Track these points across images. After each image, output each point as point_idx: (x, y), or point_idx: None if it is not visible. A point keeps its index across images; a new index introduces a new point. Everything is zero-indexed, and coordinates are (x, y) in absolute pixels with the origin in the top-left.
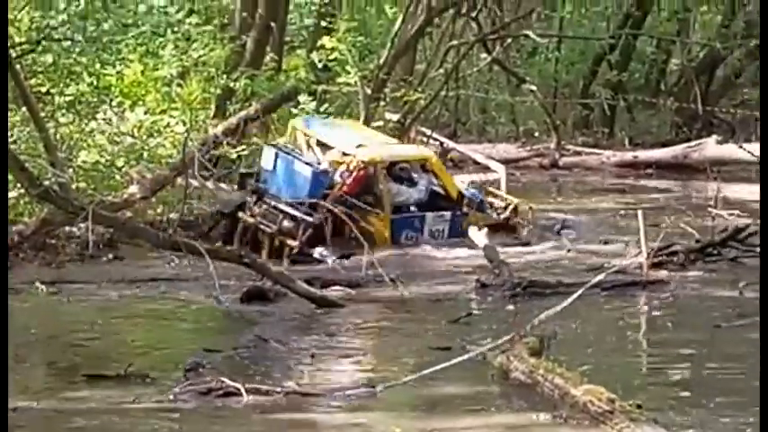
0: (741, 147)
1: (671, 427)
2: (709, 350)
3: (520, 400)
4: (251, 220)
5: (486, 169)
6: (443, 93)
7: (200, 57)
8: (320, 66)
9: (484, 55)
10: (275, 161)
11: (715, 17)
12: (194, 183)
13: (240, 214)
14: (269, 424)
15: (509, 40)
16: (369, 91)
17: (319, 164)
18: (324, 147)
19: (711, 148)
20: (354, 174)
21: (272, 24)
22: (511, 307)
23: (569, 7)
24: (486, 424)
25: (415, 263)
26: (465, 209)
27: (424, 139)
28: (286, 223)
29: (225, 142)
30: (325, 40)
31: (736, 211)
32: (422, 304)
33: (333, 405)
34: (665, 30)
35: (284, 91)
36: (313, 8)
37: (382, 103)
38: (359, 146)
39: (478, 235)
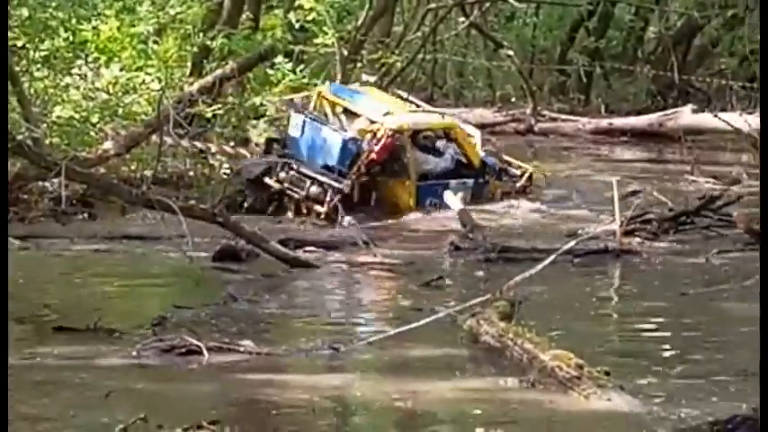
0: (716, 116)
1: (637, 395)
2: (676, 319)
3: (488, 363)
4: (277, 185)
5: None
6: (421, 56)
7: (176, 14)
8: (297, 26)
9: (462, 19)
10: (303, 128)
11: None
12: (169, 140)
13: (266, 179)
14: (229, 383)
15: (487, 5)
16: (346, 52)
17: (346, 131)
18: (350, 114)
19: (687, 116)
20: (383, 141)
21: None
22: (481, 273)
23: None
24: (454, 387)
25: (394, 225)
26: (486, 177)
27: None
28: (314, 189)
29: (200, 101)
30: (303, 0)
31: (712, 180)
32: (395, 267)
33: (295, 365)
34: None
35: (261, 50)
36: None
37: (359, 65)
38: (386, 114)
39: (454, 199)
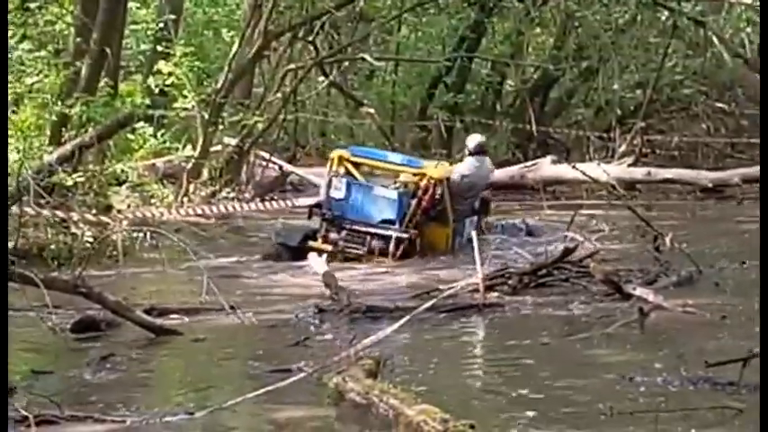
0: (574, 167)
1: None
2: (540, 369)
3: (355, 422)
4: (329, 246)
5: None
6: (282, 116)
7: (33, 83)
8: (157, 91)
9: (322, 78)
10: (348, 190)
11: (548, 39)
12: (29, 211)
13: (311, 243)
14: None
15: (346, 64)
16: (206, 115)
17: (398, 187)
18: (381, 171)
19: (547, 167)
20: (430, 191)
21: (108, 50)
22: (346, 333)
23: (405, 31)
24: None
25: (257, 288)
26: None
27: (264, 163)
28: (375, 243)
29: (60, 169)
30: (162, 65)
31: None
32: (259, 330)
33: None
34: (500, 52)
35: (120, 117)
36: (149, 33)
37: (221, 128)
38: (423, 167)
39: (318, 261)
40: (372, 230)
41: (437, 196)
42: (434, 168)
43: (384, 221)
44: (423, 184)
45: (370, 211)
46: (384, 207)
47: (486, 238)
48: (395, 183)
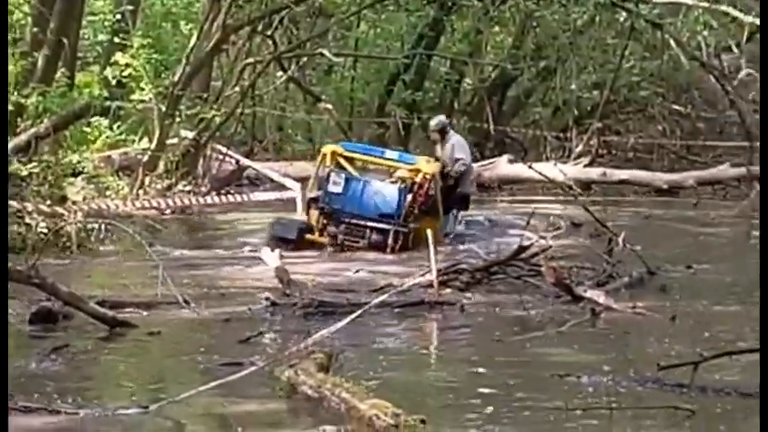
0: (530, 166)
1: None
2: (492, 366)
3: (307, 415)
4: (324, 239)
5: (283, 187)
6: (239, 110)
7: None
8: (114, 82)
9: (280, 73)
10: (347, 184)
11: (506, 39)
12: None
13: (308, 236)
14: None
15: (305, 59)
16: (163, 108)
17: (395, 182)
18: (375, 166)
19: (504, 166)
20: (426, 186)
21: (65, 40)
22: (298, 327)
23: (364, 27)
24: None
25: (212, 281)
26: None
27: (220, 157)
28: (375, 236)
29: (15, 159)
30: (119, 57)
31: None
32: (213, 323)
33: (104, 427)
34: (458, 50)
35: (76, 108)
36: (107, 24)
37: (177, 120)
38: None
39: (270, 255)
40: (371, 224)
41: (431, 192)
42: (427, 164)
43: (383, 215)
44: (418, 179)
45: (369, 206)
46: (384, 201)
47: (462, 231)
48: (391, 178)
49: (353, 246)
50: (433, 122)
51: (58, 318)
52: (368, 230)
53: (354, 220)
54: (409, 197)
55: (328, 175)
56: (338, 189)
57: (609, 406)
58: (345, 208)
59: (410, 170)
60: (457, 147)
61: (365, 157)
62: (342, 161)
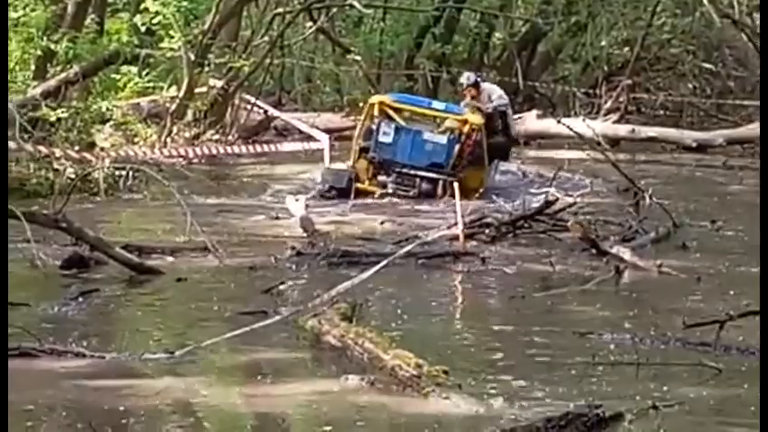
0: (559, 121)
1: (475, 393)
2: (514, 321)
3: (331, 364)
4: (374, 188)
5: (310, 138)
6: (268, 60)
7: (19, 17)
8: (143, 30)
9: (309, 23)
10: (396, 134)
11: None
12: (12, 145)
13: (358, 185)
14: (67, 389)
15: (334, 10)
16: (192, 57)
17: (444, 132)
18: (425, 117)
19: (532, 121)
20: (473, 136)
21: None
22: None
23: None
24: (297, 390)
25: (239, 229)
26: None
27: (248, 107)
28: (425, 185)
29: (44, 104)
30: (149, 4)
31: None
32: (239, 271)
33: (132, 370)
34: (489, 4)
35: (106, 55)
36: None
37: (206, 69)
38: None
39: (296, 204)
40: (422, 173)
41: (478, 142)
42: (474, 115)
43: (433, 165)
44: (465, 129)
45: (419, 155)
46: (434, 151)
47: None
48: (438, 128)
49: (404, 194)
50: (464, 79)
51: (90, 263)
52: (418, 179)
53: (405, 170)
54: (457, 147)
55: (378, 126)
56: (388, 139)
57: (635, 361)
58: (396, 157)
59: (458, 120)
60: (494, 91)
61: (413, 108)
62: (389, 111)
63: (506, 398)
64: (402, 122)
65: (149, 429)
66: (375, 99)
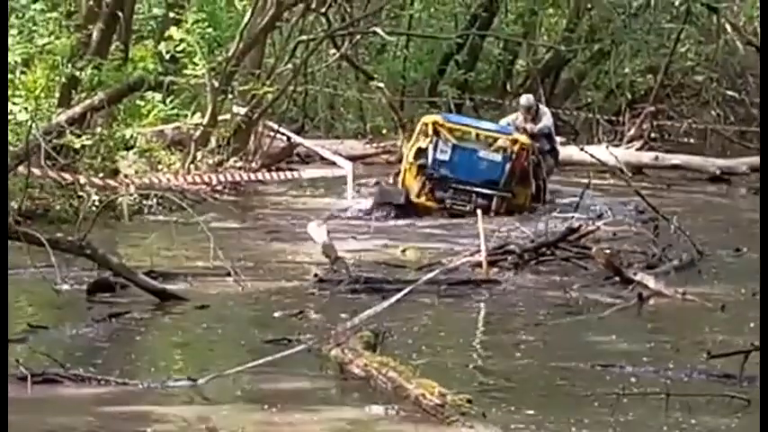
0: (582, 149)
1: (499, 423)
2: (538, 349)
3: (354, 393)
4: (431, 203)
5: (333, 165)
6: (291, 87)
7: (45, 44)
8: (168, 57)
9: (333, 51)
10: (452, 152)
11: (560, 20)
12: (36, 171)
13: (415, 200)
14: (90, 415)
15: (358, 37)
16: (216, 84)
17: (497, 150)
18: (476, 136)
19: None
20: (523, 156)
21: (120, 13)
22: (346, 304)
23: (418, 6)
24: (321, 418)
25: (262, 255)
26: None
27: (272, 134)
28: (480, 201)
29: (68, 132)
30: (174, 32)
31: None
32: (261, 297)
33: (154, 398)
34: (512, 31)
35: (130, 81)
36: None
37: (230, 97)
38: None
39: (318, 231)
40: (477, 189)
41: (526, 162)
42: (523, 136)
43: (487, 182)
44: (516, 148)
45: (474, 172)
46: (488, 169)
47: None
48: (489, 147)
49: (460, 209)
50: (524, 101)
51: (116, 288)
52: (473, 195)
53: (461, 186)
54: (509, 165)
55: (436, 144)
56: (445, 157)
57: (664, 392)
58: (452, 174)
59: (509, 140)
60: (545, 113)
61: (466, 128)
62: (443, 131)
63: (531, 428)
64: (454, 141)
65: None
66: (428, 119)
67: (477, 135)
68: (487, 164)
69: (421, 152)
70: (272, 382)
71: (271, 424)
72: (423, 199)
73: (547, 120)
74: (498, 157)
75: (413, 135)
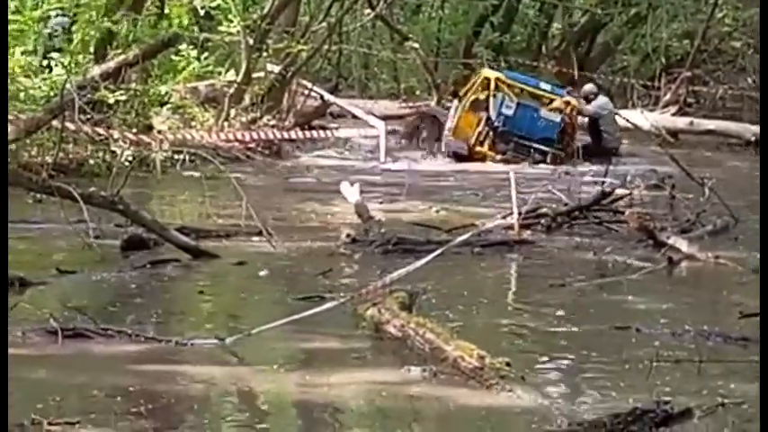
0: (618, 113)
1: (538, 387)
2: (574, 311)
3: (390, 354)
4: (493, 153)
5: (366, 125)
6: (326, 46)
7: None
8: (203, 13)
9: (368, 10)
10: (516, 109)
11: None
12: (71, 126)
13: (478, 149)
14: (120, 372)
15: None
16: (251, 41)
17: (553, 110)
18: (532, 95)
19: (589, 112)
20: (573, 117)
21: None
22: (377, 264)
23: None
24: (357, 380)
25: (295, 214)
26: None
27: (305, 92)
28: (537, 156)
29: (103, 86)
30: None
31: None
32: (293, 256)
33: (183, 356)
34: None
35: (165, 37)
36: None
37: (264, 54)
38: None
39: (350, 190)
40: (535, 145)
41: (575, 123)
42: (574, 99)
43: (544, 139)
44: (568, 110)
45: (534, 129)
46: (546, 127)
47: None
48: (543, 105)
49: (519, 161)
50: (587, 88)
51: (150, 244)
52: (532, 150)
53: (521, 141)
54: (563, 125)
55: (502, 99)
56: (510, 112)
57: (697, 359)
58: (514, 129)
59: (563, 102)
60: (600, 100)
61: (524, 86)
62: (504, 87)
63: (569, 391)
64: (513, 97)
65: (199, 416)
66: (491, 74)
67: (534, 94)
68: (546, 122)
69: (477, 103)
70: (305, 342)
71: (306, 385)
72: (485, 148)
73: (599, 108)
74: (557, 118)
75: (468, 86)
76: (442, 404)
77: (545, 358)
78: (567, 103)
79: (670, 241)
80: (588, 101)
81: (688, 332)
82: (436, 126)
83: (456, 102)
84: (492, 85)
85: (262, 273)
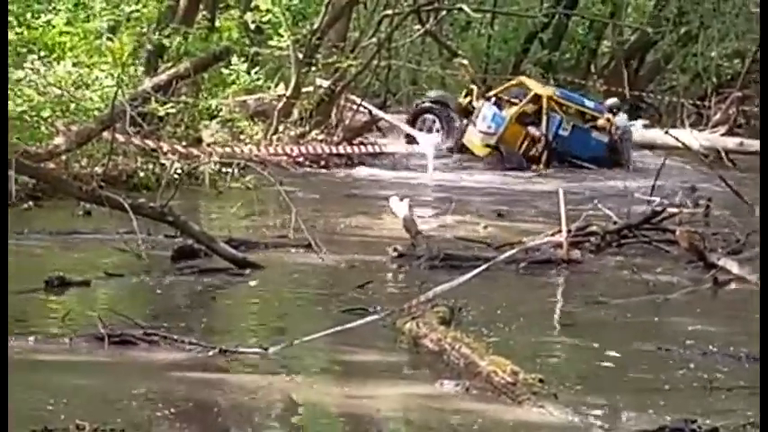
0: (667, 132)
1: (570, 404)
2: (616, 331)
3: (426, 367)
4: (547, 171)
5: (414, 140)
6: (375, 62)
7: (132, 11)
8: (253, 27)
9: (417, 26)
10: (572, 131)
11: (648, 2)
12: (120, 138)
13: (534, 167)
14: (162, 380)
15: (443, 13)
16: (300, 56)
17: (600, 130)
18: (579, 114)
19: (638, 132)
20: (615, 132)
21: None
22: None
23: None
24: (390, 393)
25: (342, 227)
26: None
27: (354, 107)
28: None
29: (153, 99)
30: (260, 2)
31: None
32: (339, 269)
33: (227, 365)
34: (598, 11)
35: (216, 51)
36: None
37: (313, 69)
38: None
39: (399, 204)
40: (585, 164)
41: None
42: (615, 117)
43: (593, 157)
44: (610, 128)
45: (585, 149)
46: (595, 147)
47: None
48: (596, 125)
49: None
50: (610, 102)
51: (200, 255)
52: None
53: (573, 159)
54: (609, 144)
55: (560, 122)
56: (566, 134)
57: (752, 385)
58: (568, 149)
59: (606, 119)
60: (622, 119)
61: (572, 105)
62: (555, 105)
63: (602, 409)
64: (563, 116)
65: (241, 425)
66: (545, 92)
67: (581, 112)
68: (596, 143)
69: (524, 116)
70: (345, 354)
71: (340, 396)
72: (541, 166)
73: (622, 125)
74: (606, 138)
75: (499, 89)
76: (472, 418)
77: (580, 377)
78: (608, 120)
79: (720, 263)
80: (613, 114)
81: (722, 354)
82: (446, 113)
83: (483, 102)
84: (545, 103)
85: (252, 283)
